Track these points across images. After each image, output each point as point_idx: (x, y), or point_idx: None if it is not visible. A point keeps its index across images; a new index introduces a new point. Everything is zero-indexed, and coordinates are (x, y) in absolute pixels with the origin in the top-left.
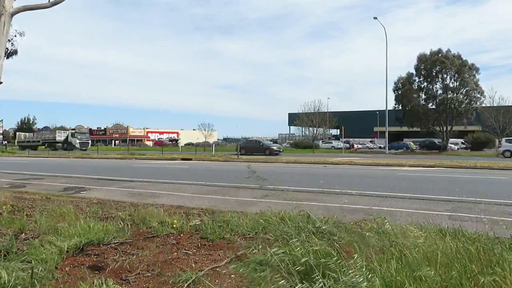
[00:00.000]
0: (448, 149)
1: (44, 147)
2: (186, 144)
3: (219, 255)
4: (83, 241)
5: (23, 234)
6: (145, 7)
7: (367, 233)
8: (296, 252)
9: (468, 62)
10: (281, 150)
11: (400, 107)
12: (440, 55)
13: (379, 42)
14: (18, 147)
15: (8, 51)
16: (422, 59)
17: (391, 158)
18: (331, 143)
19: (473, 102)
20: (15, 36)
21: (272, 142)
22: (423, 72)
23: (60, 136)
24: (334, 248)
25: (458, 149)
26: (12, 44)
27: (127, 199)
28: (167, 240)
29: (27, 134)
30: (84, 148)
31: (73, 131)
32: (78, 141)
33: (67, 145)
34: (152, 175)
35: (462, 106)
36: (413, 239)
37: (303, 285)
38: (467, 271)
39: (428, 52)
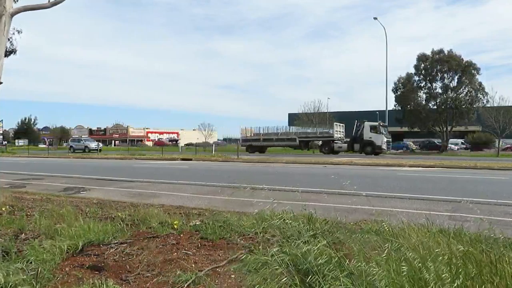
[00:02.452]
0: (448, 149)
1: (300, 149)
2: (186, 144)
3: (219, 255)
4: (83, 242)
5: (23, 234)
6: (145, 7)
7: (367, 234)
8: (297, 253)
9: (472, 63)
10: None
11: (400, 108)
12: (441, 54)
13: (379, 42)
14: (245, 148)
15: (6, 49)
16: (422, 59)
17: (391, 158)
18: None
19: (474, 102)
20: (13, 34)
21: None
22: (423, 72)
23: (339, 132)
24: (334, 248)
25: (458, 149)
26: (12, 43)
27: (127, 199)
28: (167, 240)
29: (260, 129)
30: (388, 151)
31: (374, 123)
32: (385, 139)
33: (363, 145)
34: (152, 175)
35: (464, 106)
36: (413, 239)
37: (303, 286)
38: (469, 273)
39: (428, 52)
